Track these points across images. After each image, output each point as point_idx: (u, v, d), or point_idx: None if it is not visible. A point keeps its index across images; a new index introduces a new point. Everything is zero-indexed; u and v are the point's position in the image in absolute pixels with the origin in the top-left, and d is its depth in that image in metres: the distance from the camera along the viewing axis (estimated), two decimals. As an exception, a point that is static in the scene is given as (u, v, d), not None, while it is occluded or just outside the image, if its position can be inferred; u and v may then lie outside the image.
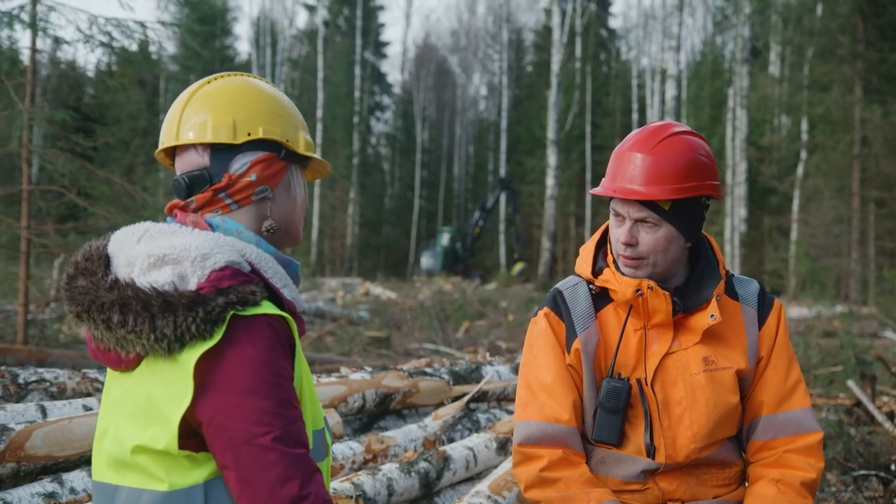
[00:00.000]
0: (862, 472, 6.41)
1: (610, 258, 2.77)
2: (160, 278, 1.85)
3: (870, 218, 30.13)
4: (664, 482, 2.68)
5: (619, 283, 2.68)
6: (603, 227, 2.88)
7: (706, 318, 2.65)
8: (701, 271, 2.74)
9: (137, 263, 1.89)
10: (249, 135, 2.03)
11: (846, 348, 10.47)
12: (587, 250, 2.85)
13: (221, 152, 2.03)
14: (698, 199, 2.65)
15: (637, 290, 2.63)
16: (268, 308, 1.89)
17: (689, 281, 2.73)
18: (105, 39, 9.85)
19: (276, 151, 2.08)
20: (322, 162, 2.22)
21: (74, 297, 1.91)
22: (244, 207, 2.05)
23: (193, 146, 2.04)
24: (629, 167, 2.61)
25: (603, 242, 2.86)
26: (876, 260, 29.72)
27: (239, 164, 2.03)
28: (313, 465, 1.87)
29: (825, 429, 7.46)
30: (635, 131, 2.71)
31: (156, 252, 1.88)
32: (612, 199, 2.68)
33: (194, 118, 2.03)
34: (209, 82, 2.09)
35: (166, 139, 2.07)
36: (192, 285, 1.85)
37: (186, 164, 2.06)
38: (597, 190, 2.68)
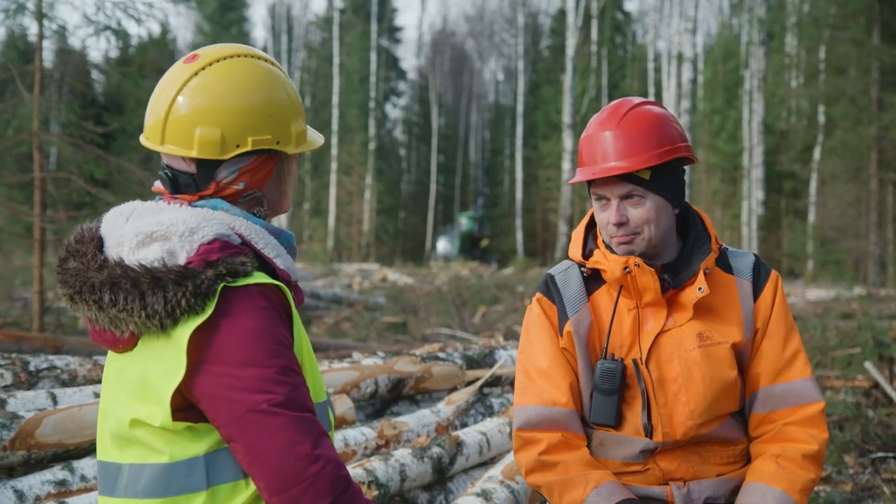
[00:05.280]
0: (879, 454, 6.40)
1: (600, 240, 2.76)
2: (149, 255, 1.85)
3: (888, 200, 29.98)
4: (664, 462, 2.66)
5: (608, 262, 2.66)
6: (591, 211, 2.86)
7: (694, 291, 2.62)
8: (691, 246, 2.71)
9: (126, 242, 1.88)
10: (238, 147, 1.97)
11: (864, 330, 10.38)
12: (578, 233, 2.84)
13: (208, 162, 1.98)
14: (676, 163, 2.65)
15: (625, 268, 2.61)
16: (260, 278, 1.88)
17: (681, 256, 2.71)
18: (111, 24, 9.87)
19: (267, 153, 2.03)
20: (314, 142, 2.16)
21: (66, 279, 1.92)
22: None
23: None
24: (600, 148, 2.60)
25: (593, 225, 2.85)
26: (894, 242, 29.59)
27: (226, 172, 1.99)
28: (321, 428, 1.85)
29: (843, 411, 7.43)
30: (597, 114, 2.69)
31: (144, 230, 1.87)
32: (591, 183, 2.65)
33: (180, 125, 1.95)
34: (196, 74, 1.97)
35: (151, 136, 2.01)
36: (181, 260, 1.84)
37: (172, 160, 2.01)
38: (574, 178, 2.66)
